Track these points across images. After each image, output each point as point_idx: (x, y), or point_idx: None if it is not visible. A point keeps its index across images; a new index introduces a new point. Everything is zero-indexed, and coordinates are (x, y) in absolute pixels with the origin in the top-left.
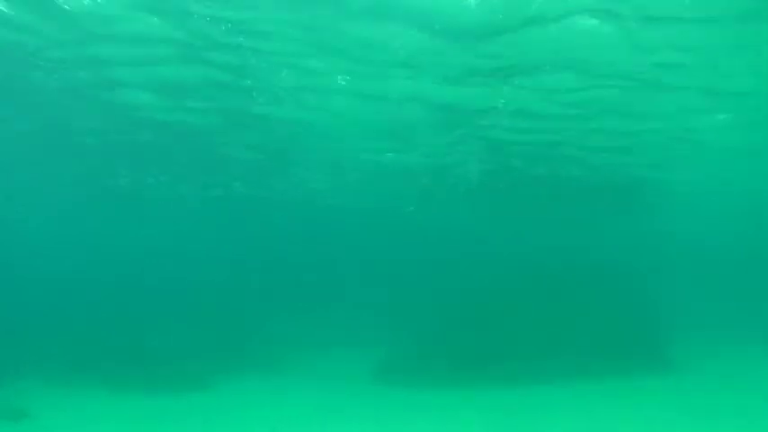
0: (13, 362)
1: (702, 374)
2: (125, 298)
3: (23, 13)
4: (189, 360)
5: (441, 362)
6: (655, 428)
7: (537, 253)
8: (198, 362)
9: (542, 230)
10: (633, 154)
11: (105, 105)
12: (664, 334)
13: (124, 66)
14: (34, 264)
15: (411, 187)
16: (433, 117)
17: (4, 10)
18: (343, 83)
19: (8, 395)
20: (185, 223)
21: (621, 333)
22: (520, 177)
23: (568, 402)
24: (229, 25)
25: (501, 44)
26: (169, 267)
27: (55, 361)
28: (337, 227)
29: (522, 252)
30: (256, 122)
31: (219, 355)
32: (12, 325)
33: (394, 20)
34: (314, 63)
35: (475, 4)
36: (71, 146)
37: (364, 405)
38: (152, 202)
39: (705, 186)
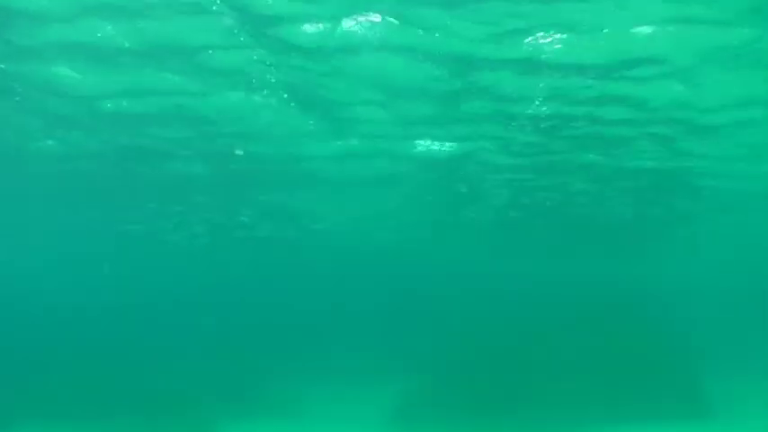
0: (8, 408)
1: (747, 420)
2: (123, 341)
3: None
4: (191, 405)
5: (461, 404)
6: None
7: (564, 287)
8: (201, 406)
9: (566, 263)
10: None
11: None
12: (704, 375)
13: None
14: (31, 307)
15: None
16: None
17: None
18: None
19: None
20: (186, 263)
21: (657, 374)
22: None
23: None
24: None
25: None
26: (168, 307)
27: (51, 407)
28: (351, 262)
29: (547, 287)
30: None
31: (224, 398)
32: (7, 370)
33: None
34: None
35: None
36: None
37: None
38: (155, 244)
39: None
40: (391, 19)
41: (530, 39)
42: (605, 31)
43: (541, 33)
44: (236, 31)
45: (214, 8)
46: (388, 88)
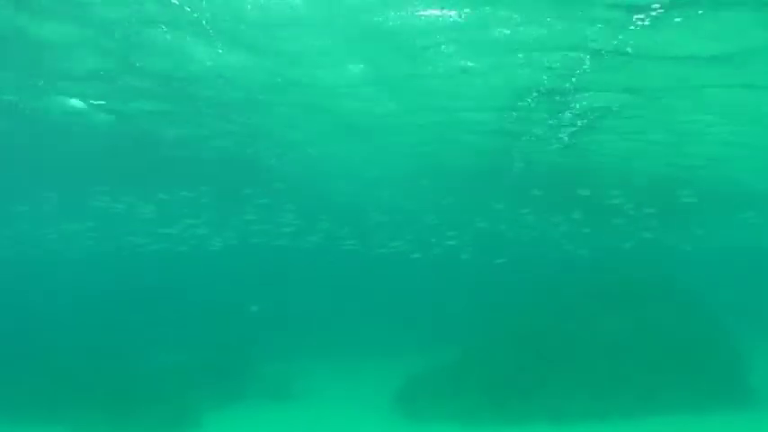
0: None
1: None
2: (92, 320)
3: None
4: (171, 391)
5: (476, 391)
6: None
7: (595, 263)
8: (183, 393)
9: (601, 237)
10: None
11: None
12: (742, 359)
13: None
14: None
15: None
16: None
17: None
18: None
19: None
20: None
21: (693, 359)
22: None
23: None
24: None
25: None
26: (142, 273)
27: (16, 398)
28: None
29: (576, 262)
30: None
31: (208, 382)
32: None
33: None
34: None
35: None
36: None
37: None
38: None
39: None
40: None
41: None
42: None
43: None
44: None
45: None
46: None
